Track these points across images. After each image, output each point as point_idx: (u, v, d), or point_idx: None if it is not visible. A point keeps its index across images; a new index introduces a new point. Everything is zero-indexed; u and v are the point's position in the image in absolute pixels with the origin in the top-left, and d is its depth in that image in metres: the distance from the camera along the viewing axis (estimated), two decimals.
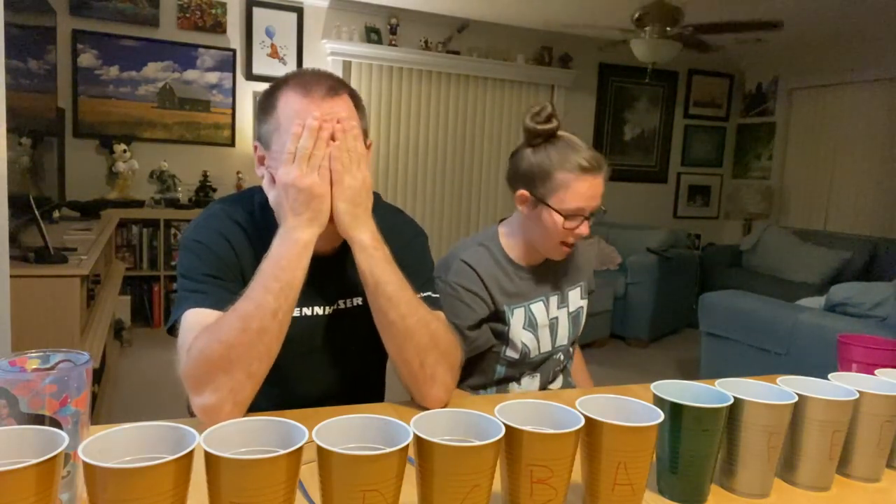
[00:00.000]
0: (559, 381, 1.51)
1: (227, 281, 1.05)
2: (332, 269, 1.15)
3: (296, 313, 1.09)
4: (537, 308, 1.44)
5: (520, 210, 1.39)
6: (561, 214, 1.32)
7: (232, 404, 0.92)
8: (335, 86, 1.04)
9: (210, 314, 0.99)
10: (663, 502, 0.78)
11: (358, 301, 1.17)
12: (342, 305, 1.16)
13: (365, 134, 1.08)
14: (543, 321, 1.44)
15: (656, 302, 4.52)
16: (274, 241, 0.98)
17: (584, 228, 1.35)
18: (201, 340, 0.93)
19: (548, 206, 1.33)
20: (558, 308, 1.48)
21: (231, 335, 0.92)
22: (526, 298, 1.42)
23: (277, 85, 1.06)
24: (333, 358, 1.16)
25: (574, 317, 1.51)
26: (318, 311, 1.13)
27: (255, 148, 1.09)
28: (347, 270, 1.15)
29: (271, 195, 1.04)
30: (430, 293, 1.21)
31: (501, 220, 1.50)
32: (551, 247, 1.38)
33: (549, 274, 1.47)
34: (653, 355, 4.37)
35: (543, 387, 1.48)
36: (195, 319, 0.99)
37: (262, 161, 1.08)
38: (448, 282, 1.36)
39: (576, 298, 1.52)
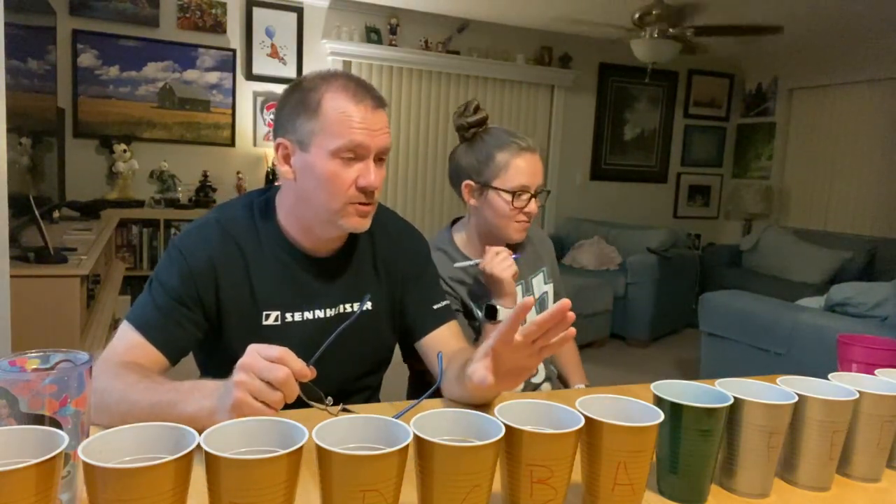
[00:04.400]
0: (541, 371, 1.52)
1: (188, 309, 1.05)
2: (334, 271, 1.15)
3: (297, 317, 1.11)
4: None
5: (469, 204, 1.44)
6: (508, 192, 1.38)
7: None
8: (380, 97, 1.07)
9: (143, 344, 1.00)
10: (663, 502, 0.78)
11: (367, 305, 1.17)
12: (347, 309, 1.16)
13: None
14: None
15: (656, 302, 4.52)
16: (198, 403, 0.84)
17: (532, 206, 1.40)
18: (106, 396, 0.89)
19: (493, 188, 1.39)
20: (524, 297, 1.50)
21: (117, 409, 0.88)
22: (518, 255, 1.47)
23: (315, 85, 1.04)
24: (337, 362, 1.14)
25: (541, 302, 1.54)
26: (319, 314, 1.13)
27: (279, 146, 1.08)
28: (351, 272, 1.17)
29: (303, 188, 1.06)
30: (446, 302, 1.24)
31: (453, 223, 1.53)
32: (509, 228, 1.41)
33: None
34: (653, 355, 4.37)
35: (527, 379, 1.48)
36: (128, 340, 1.01)
37: (286, 159, 1.08)
38: None
39: (539, 284, 1.56)
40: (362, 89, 1.04)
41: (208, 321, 1.08)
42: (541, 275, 1.57)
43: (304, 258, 1.12)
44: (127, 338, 1.01)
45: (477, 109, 1.41)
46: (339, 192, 1.04)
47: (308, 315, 1.12)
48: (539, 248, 1.61)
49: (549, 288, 1.59)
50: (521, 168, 1.38)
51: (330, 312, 1.14)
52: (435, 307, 1.21)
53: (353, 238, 1.17)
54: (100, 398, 0.87)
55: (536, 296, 1.55)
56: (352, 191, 1.04)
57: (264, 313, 1.09)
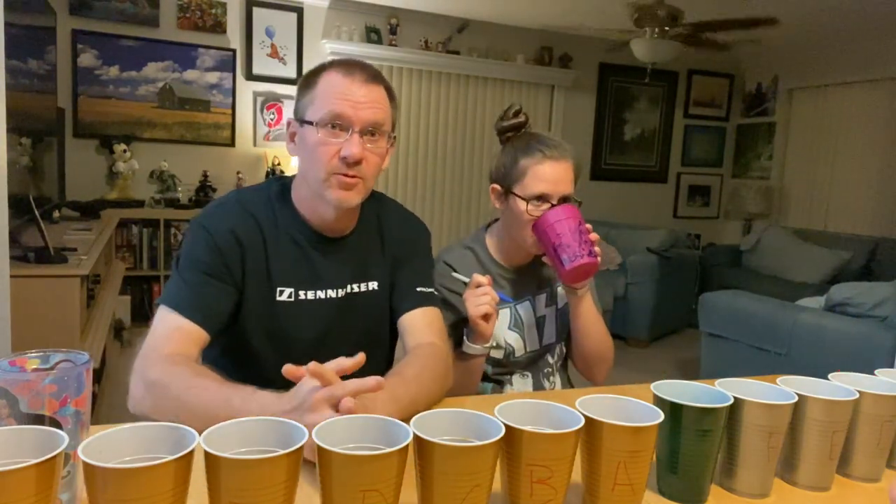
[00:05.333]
0: (557, 383, 1.51)
1: (219, 280, 1.08)
2: (345, 252, 1.18)
3: (309, 296, 1.15)
4: (524, 308, 1.45)
5: (496, 206, 1.42)
6: (524, 200, 1.33)
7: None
8: (376, 75, 1.10)
9: (181, 324, 1.02)
10: (663, 502, 0.78)
11: (373, 286, 1.21)
12: (355, 289, 1.19)
13: (392, 125, 1.13)
14: (530, 321, 1.45)
15: (656, 302, 4.52)
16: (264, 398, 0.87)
17: None
18: (157, 389, 0.93)
19: (513, 193, 1.36)
20: (546, 306, 1.48)
21: (175, 407, 0.90)
22: (512, 299, 1.43)
23: (322, 67, 1.11)
24: (345, 341, 1.17)
25: (563, 313, 1.51)
26: (331, 293, 1.16)
27: (289, 124, 1.14)
28: (360, 254, 1.20)
29: (300, 162, 1.12)
30: (431, 290, 1.25)
31: (490, 223, 1.51)
32: (528, 238, 1.36)
33: (537, 272, 1.48)
34: (653, 355, 4.37)
35: (537, 388, 1.47)
36: (167, 323, 1.02)
37: (292, 137, 1.13)
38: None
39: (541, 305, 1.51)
40: (357, 66, 1.08)
41: (237, 293, 1.11)
42: (544, 295, 1.52)
43: (316, 239, 1.16)
44: (165, 321, 1.03)
45: (517, 114, 1.39)
46: (323, 162, 1.06)
47: (320, 294, 1.15)
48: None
49: (550, 311, 1.52)
50: (540, 175, 1.33)
51: (340, 292, 1.17)
52: (418, 289, 1.22)
53: (362, 221, 1.20)
54: (155, 398, 0.92)
55: (560, 306, 1.49)
56: (335, 161, 1.06)
57: (278, 289, 1.13)
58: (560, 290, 1.51)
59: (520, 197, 1.34)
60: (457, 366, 1.27)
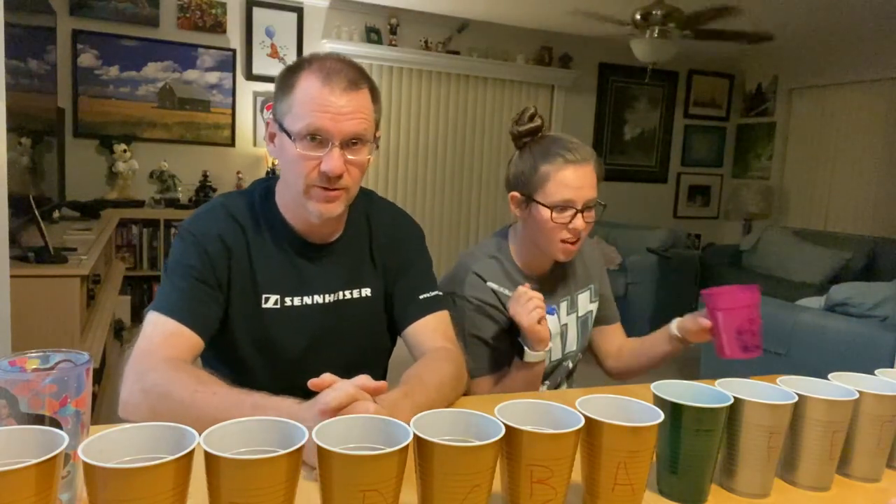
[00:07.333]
0: (564, 387, 1.51)
1: (209, 286, 1.07)
2: (333, 257, 1.16)
3: (296, 302, 1.13)
4: (550, 318, 1.40)
5: (516, 214, 1.38)
6: (548, 207, 1.30)
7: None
8: (356, 79, 1.04)
9: (178, 329, 1.01)
10: (663, 502, 0.78)
11: (366, 292, 1.19)
12: (346, 296, 1.17)
13: (376, 125, 1.10)
14: (555, 330, 1.42)
15: (656, 302, 4.51)
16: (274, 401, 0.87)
17: (577, 222, 1.30)
18: (153, 395, 0.92)
19: (536, 201, 1.32)
20: (568, 314, 1.46)
21: (173, 406, 0.89)
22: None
23: (299, 65, 1.05)
24: (336, 348, 1.16)
25: (583, 321, 1.48)
26: (318, 299, 1.14)
27: (268, 124, 1.10)
28: (350, 259, 1.18)
29: (281, 169, 1.09)
30: (436, 293, 1.22)
31: (510, 226, 1.47)
32: (553, 246, 1.33)
33: (558, 280, 1.45)
34: None
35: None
36: (161, 329, 1.01)
37: (272, 138, 1.10)
38: (467, 296, 1.34)
39: (585, 302, 1.49)
40: (336, 71, 1.02)
41: (225, 300, 1.09)
42: (588, 292, 1.50)
43: (302, 244, 1.14)
44: (159, 327, 1.01)
45: (532, 118, 1.35)
46: (302, 176, 1.04)
47: (307, 300, 1.13)
48: (588, 262, 1.52)
49: (595, 307, 1.52)
50: (563, 182, 1.29)
51: (329, 298, 1.15)
52: (421, 297, 1.19)
53: (351, 224, 1.18)
54: (154, 404, 0.90)
55: (581, 314, 1.48)
56: (314, 174, 1.03)
57: (264, 296, 1.11)
58: (580, 297, 1.48)
59: (543, 205, 1.30)
60: (521, 376, 1.28)
